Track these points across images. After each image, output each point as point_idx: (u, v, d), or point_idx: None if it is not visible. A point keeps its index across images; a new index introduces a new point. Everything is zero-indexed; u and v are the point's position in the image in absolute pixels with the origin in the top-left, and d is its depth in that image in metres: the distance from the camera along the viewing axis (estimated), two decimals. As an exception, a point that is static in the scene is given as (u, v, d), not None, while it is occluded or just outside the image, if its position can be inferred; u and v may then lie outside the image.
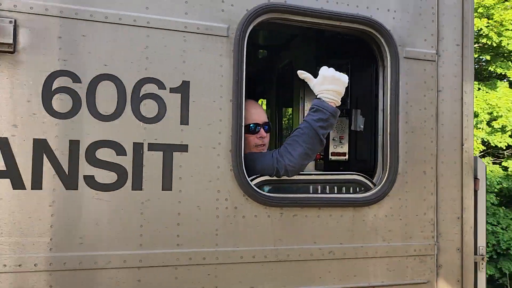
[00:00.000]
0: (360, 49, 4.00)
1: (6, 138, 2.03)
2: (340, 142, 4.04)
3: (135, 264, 2.19)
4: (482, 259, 2.88)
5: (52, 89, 2.10)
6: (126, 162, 2.18)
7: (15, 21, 2.05)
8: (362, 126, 4.02)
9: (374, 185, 2.68)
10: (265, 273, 2.39)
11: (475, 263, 2.85)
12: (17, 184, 2.04)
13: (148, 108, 2.23)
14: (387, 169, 2.64)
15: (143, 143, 2.21)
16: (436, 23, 2.78)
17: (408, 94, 2.70)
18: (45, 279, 2.07)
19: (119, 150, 2.17)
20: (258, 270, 2.38)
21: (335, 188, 2.65)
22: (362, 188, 2.69)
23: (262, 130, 2.71)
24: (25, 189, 2.05)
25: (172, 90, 2.27)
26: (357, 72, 4.09)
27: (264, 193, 2.41)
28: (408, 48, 2.70)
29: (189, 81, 2.29)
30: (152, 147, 2.22)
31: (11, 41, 2.02)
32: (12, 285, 2.03)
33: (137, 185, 2.20)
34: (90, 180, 2.13)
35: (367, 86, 4.11)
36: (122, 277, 2.17)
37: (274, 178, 2.49)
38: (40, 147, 2.07)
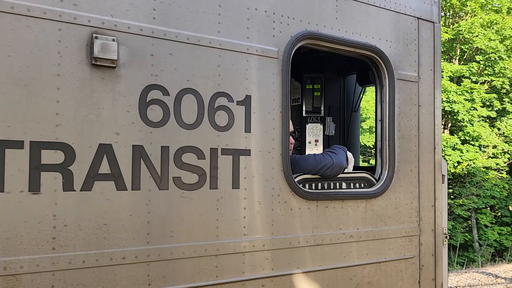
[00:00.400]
0: (331, 65, 4.67)
1: (110, 144, 2.26)
2: (315, 145, 4.65)
3: (213, 253, 2.54)
4: (446, 237, 3.69)
5: (147, 101, 2.36)
6: (205, 164, 2.52)
7: (116, 39, 2.28)
8: (334, 131, 4.69)
9: (377, 181, 3.32)
10: (307, 255, 2.88)
11: (442, 241, 3.66)
12: (120, 185, 2.28)
13: (221, 118, 2.58)
14: (387, 168, 3.30)
15: (217, 148, 2.56)
16: (417, 52, 3.51)
17: (400, 108, 3.39)
18: (144, 269, 2.33)
19: (200, 154, 2.51)
20: (302, 253, 2.87)
21: (351, 184, 3.23)
22: (366, 184, 3.32)
23: (291, 137, 3.20)
24: (127, 190, 2.29)
25: (238, 103, 2.65)
26: (329, 85, 4.75)
27: (305, 189, 2.90)
28: (400, 71, 3.39)
29: (250, 95, 2.69)
30: (224, 151, 2.59)
31: (115, 57, 2.25)
32: (117, 277, 2.26)
33: (214, 184, 2.55)
34: (177, 181, 2.43)
35: (337, 97, 4.79)
36: (203, 264, 2.51)
37: (310, 176, 3.00)
38: (138, 153, 2.33)
